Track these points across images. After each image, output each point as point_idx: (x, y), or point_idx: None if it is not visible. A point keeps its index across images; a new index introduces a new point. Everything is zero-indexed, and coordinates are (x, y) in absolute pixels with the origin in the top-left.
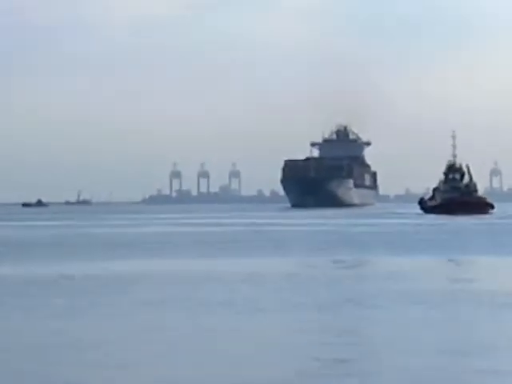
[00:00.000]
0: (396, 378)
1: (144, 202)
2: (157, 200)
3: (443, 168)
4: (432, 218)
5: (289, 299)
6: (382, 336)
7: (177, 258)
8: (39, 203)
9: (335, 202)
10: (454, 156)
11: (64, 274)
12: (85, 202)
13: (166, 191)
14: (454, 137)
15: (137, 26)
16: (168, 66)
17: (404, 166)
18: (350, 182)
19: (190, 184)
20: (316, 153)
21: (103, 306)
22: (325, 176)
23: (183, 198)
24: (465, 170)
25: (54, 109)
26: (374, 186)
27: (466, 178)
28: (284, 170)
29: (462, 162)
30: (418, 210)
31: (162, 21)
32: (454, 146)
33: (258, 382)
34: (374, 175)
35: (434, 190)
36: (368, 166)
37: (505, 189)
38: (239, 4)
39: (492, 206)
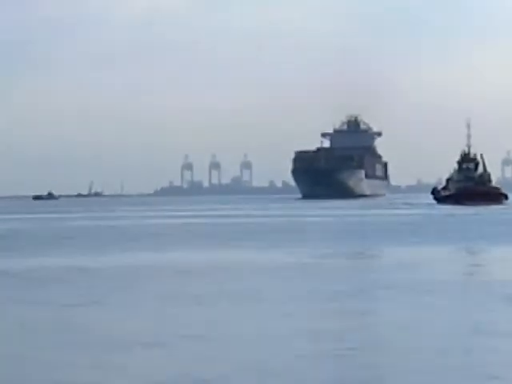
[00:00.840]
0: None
1: (156, 193)
2: (168, 192)
3: (455, 158)
4: (445, 208)
5: (297, 289)
6: (390, 325)
7: (180, 251)
8: (50, 196)
9: (346, 193)
10: (469, 145)
11: (75, 266)
12: (97, 195)
13: (178, 183)
14: (468, 126)
15: (143, 18)
16: (179, 59)
17: (415, 157)
18: (361, 173)
19: (201, 175)
20: (327, 143)
21: (111, 299)
22: (335, 167)
23: (195, 190)
24: (479, 159)
25: (67, 102)
26: (385, 176)
27: (480, 168)
28: (295, 160)
29: (476, 151)
30: (430, 200)
31: (169, 14)
32: (469, 136)
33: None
34: (385, 166)
35: (448, 179)
36: (379, 157)
37: None
38: None
39: (506, 197)
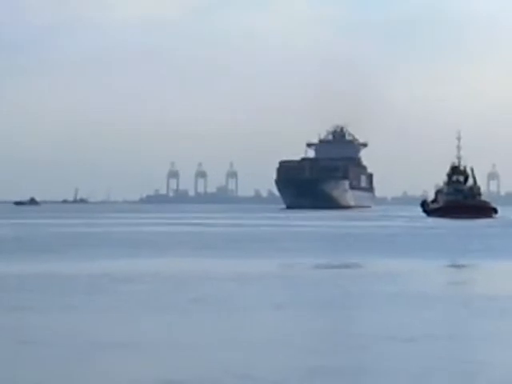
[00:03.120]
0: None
1: (141, 201)
2: (154, 200)
3: (441, 170)
4: (432, 221)
5: (273, 299)
6: (360, 337)
7: (164, 257)
8: (32, 201)
9: (331, 204)
10: (459, 157)
11: (55, 273)
12: (82, 201)
13: (164, 191)
14: (459, 138)
15: (135, 27)
16: (166, 67)
17: (401, 168)
18: (346, 184)
19: (187, 184)
20: (312, 154)
21: (89, 304)
22: (320, 177)
23: (181, 198)
24: (469, 172)
25: (52, 108)
26: (370, 187)
27: (470, 181)
28: (279, 170)
29: (466, 164)
30: (419, 212)
31: (161, 22)
32: (459, 148)
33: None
34: (370, 177)
35: (437, 192)
36: (364, 168)
37: (502, 193)
38: (240, 6)
39: (495, 211)
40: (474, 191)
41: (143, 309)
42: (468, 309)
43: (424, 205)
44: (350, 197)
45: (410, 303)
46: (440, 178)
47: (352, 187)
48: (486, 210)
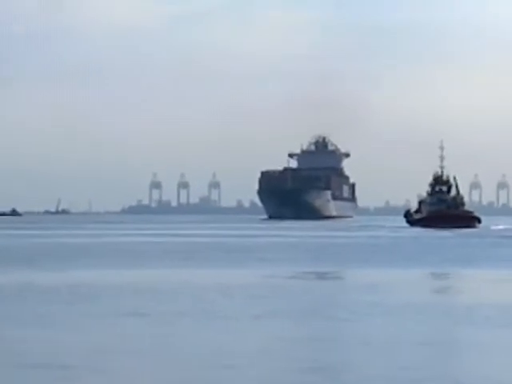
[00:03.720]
0: None
1: (123, 212)
2: (137, 210)
3: (423, 180)
4: (415, 231)
5: (255, 309)
6: (341, 346)
7: (146, 268)
8: (14, 212)
9: (313, 214)
10: (442, 167)
11: (35, 283)
12: (64, 212)
13: (146, 201)
14: (442, 148)
15: (115, 35)
16: (147, 77)
17: (384, 178)
18: (328, 194)
19: (170, 195)
20: (294, 164)
21: (69, 316)
22: (302, 187)
23: (163, 209)
24: (452, 182)
25: (35, 117)
26: (352, 197)
27: (453, 191)
28: (260, 181)
29: (449, 173)
30: (402, 222)
31: (141, 31)
32: (442, 157)
33: None
34: (352, 187)
35: (420, 202)
36: (346, 178)
37: (484, 202)
38: (219, 16)
39: (479, 220)
40: (458, 201)
41: (123, 318)
42: (447, 317)
43: (407, 215)
44: (332, 207)
45: (390, 312)
46: (423, 188)
47: (334, 197)
48: (469, 220)
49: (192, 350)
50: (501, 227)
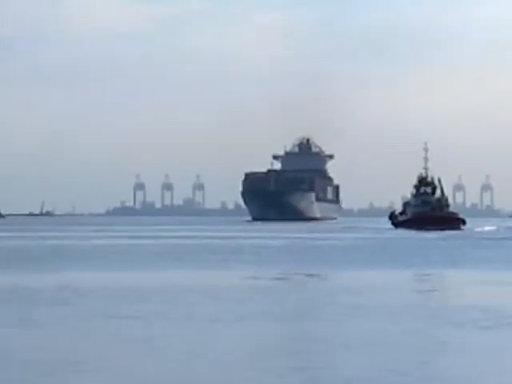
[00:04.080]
0: None
1: (108, 213)
2: (121, 212)
3: (407, 182)
4: (398, 233)
5: (238, 310)
6: (319, 347)
7: (129, 270)
8: None
9: (297, 216)
10: (426, 168)
11: (18, 285)
12: (48, 214)
13: (130, 203)
14: (426, 149)
15: (99, 38)
16: (131, 79)
17: (368, 180)
18: (312, 196)
19: (154, 196)
20: (278, 166)
21: (52, 318)
22: (285, 189)
23: (147, 211)
24: (436, 183)
25: (16, 121)
26: (336, 199)
27: (438, 192)
28: (244, 182)
29: (433, 175)
30: (386, 224)
31: (124, 34)
32: (426, 159)
33: None
34: (336, 189)
35: (405, 204)
36: (330, 180)
37: (468, 204)
38: (205, 19)
39: (464, 222)
40: (442, 203)
41: (105, 320)
42: (430, 319)
43: (392, 217)
44: (316, 209)
45: (373, 313)
46: (407, 190)
47: (318, 199)
48: (454, 222)
49: (167, 350)
50: (487, 229)
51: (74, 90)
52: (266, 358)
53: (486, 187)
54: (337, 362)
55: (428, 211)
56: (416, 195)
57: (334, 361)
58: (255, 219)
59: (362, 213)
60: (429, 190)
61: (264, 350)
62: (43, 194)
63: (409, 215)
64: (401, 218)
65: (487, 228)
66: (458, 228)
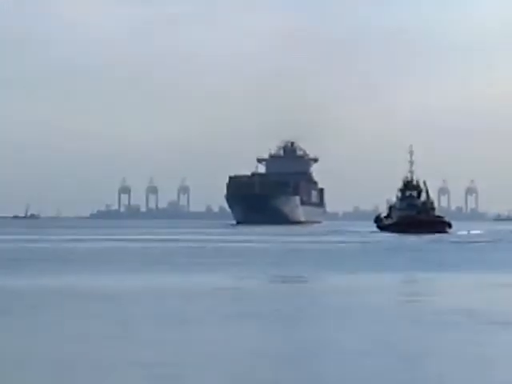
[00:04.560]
0: None
1: (92, 217)
2: (105, 215)
3: (392, 185)
4: (383, 236)
5: (221, 313)
6: (303, 350)
7: (113, 273)
8: None
9: (281, 219)
10: (411, 172)
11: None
12: (33, 217)
13: (115, 206)
14: (411, 152)
15: (81, 43)
16: (116, 82)
17: (353, 183)
18: (296, 199)
19: (139, 199)
20: (263, 169)
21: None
22: (270, 192)
23: (132, 214)
24: (422, 187)
25: (1, 124)
26: (321, 203)
27: (423, 196)
28: (228, 186)
29: (419, 178)
30: (371, 227)
31: (107, 41)
32: (411, 162)
33: None
34: (321, 192)
35: (390, 207)
36: (315, 183)
37: (453, 207)
38: (185, 22)
39: (450, 225)
40: (428, 206)
41: (86, 322)
42: (413, 322)
43: (378, 220)
44: (301, 212)
45: (356, 317)
46: (392, 193)
47: (302, 202)
48: (440, 225)
49: (144, 353)
50: (473, 232)
51: (57, 91)
52: (242, 361)
53: (470, 191)
54: (317, 365)
55: (414, 215)
56: (401, 198)
57: (314, 363)
58: (239, 223)
59: (346, 216)
60: (414, 193)
61: (245, 352)
62: (28, 197)
63: (394, 219)
64: (386, 222)
65: (475, 231)
66: (444, 231)
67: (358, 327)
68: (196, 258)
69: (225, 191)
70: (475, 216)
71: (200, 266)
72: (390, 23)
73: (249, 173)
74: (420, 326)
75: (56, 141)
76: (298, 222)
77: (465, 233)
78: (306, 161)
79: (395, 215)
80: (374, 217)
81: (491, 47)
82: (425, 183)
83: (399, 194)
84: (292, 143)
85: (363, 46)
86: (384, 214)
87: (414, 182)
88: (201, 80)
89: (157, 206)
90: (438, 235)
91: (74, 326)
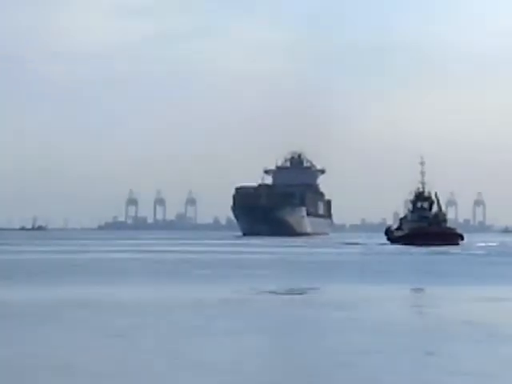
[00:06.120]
0: None
1: (100, 228)
2: (113, 227)
3: (399, 197)
4: (391, 248)
5: (228, 325)
6: (307, 363)
7: (121, 284)
8: None
9: (287, 231)
10: (423, 183)
11: (6, 300)
12: (40, 228)
13: (122, 218)
14: (422, 163)
15: (77, 57)
16: (122, 94)
17: (360, 195)
18: (303, 210)
19: (146, 211)
20: (269, 180)
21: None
22: (276, 204)
23: (139, 225)
24: (434, 198)
25: (8, 134)
26: (328, 214)
27: (435, 207)
28: (235, 197)
29: (430, 190)
30: (379, 239)
31: (118, 49)
32: (423, 173)
33: None
34: (328, 204)
35: (401, 219)
36: (322, 194)
37: (460, 220)
38: (191, 34)
39: (462, 237)
40: (440, 218)
41: (98, 337)
42: (419, 334)
43: (388, 232)
44: (307, 224)
45: (361, 329)
46: (399, 205)
47: (309, 214)
48: (452, 237)
49: (161, 366)
50: (481, 244)
51: (66, 104)
52: (243, 372)
53: (478, 203)
54: (318, 376)
55: (425, 226)
56: (413, 210)
57: (315, 375)
58: (246, 234)
59: (353, 228)
60: (426, 205)
61: (252, 364)
62: (36, 208)
63: (406, 230)
64: (397, 234)
65: (484, 244)
66: (456, 243)
67: (359, 339)
68: (200, 269)
69: (232, 203)
70: (483, 228)
71: (206, 278)
72: (405, 34)
73: (255, 184)
74: (424, 336)
75: (62, 152)
76: (305, 234)
77: (483, 244)
78: (313, 172)
79: (406, 227)
80: (380, 229)
81: (503, 60)
82: (436, 195)
83: (410, 206)
84: (299, 155)
85: (372, 56)
86: (394, 226)
87: (426, 194)
88: (209, 91)
89: (164, 217)
90: (449, 247)
91: (76, 336)
